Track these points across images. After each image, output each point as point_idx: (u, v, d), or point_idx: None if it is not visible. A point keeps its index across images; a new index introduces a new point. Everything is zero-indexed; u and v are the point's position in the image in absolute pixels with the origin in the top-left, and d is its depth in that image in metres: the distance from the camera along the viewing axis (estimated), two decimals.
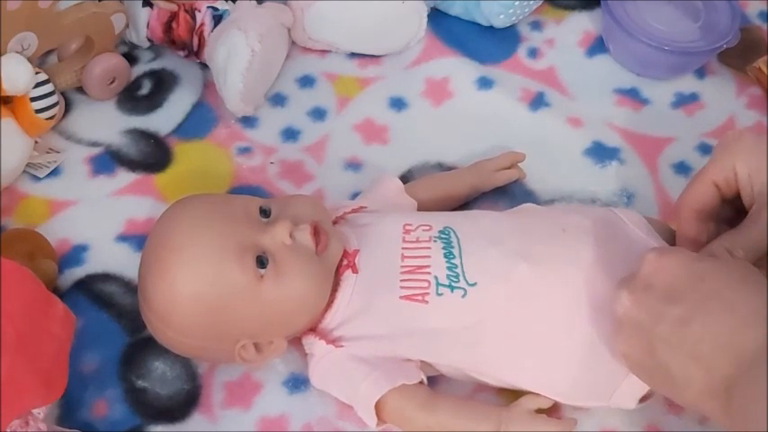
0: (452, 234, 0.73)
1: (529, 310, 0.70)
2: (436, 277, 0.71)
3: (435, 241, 0.73)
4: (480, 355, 0.71)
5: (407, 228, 0.74)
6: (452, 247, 0.72)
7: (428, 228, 0.74)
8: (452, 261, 0.72)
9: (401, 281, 0.71)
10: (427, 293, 0.71)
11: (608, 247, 0.72)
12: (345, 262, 0.73)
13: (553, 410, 0.72)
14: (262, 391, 0.75)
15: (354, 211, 0.79)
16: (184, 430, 0.74)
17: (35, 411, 0.67)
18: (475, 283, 0.71)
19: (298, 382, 0.75)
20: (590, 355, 0.69)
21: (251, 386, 0.76)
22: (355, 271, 0.73)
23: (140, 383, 0.75)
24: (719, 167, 0.70)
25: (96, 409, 0.74)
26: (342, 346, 0.71)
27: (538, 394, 0.71)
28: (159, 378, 0.76)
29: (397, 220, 0.75)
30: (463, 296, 0.70)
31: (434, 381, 0.73)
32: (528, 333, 0.70)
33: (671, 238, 0.75)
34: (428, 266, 0.72)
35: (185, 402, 0.75)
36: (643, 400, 0.71)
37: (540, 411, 0.71)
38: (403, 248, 0.73)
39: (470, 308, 0.70)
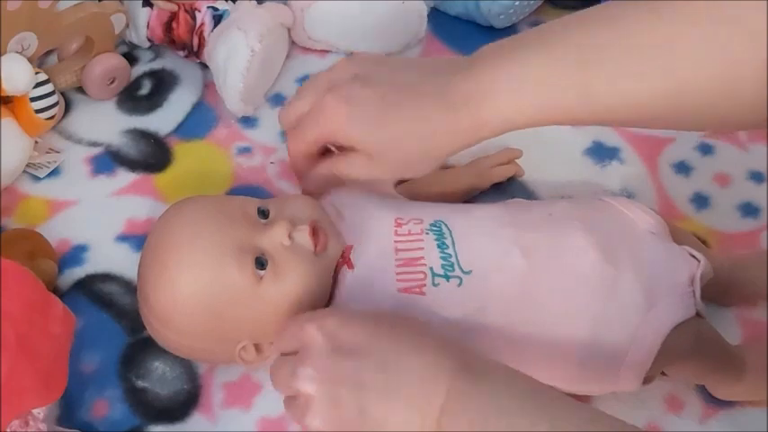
0: (444, 226, 0.74)
1: (526, 296, 0.70)
2: (431, 268, 0.71)
3: (427, 233, 0.73)
4: (481, 344, 0.71)
5: (399, 221, 0.74)
6: (445, 238, 0.73)
7: (419, 221, 0.74)
8: (446, 251, 0.72)
9: (397, 273, 0.71)
10: (424, 285, 0.71)
11: (597, 228, 0.73)
12: (341, 258, 0.73)
13: None
14: (262, 391, 0.75)
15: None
16: (184, 430, 0.74)
17: (35, 411, 0.67)
18: (470, 272, 0.71)
19: None
20: (590, 336, 0.70)
21: (251, 386, 0.76)
22: (351, 267, 0.73)
23: (140, 383, 0.75)
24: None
25: (96, 409, 0.74)
26: None
27: None
28: (159, 378, 0.76)
29: (387, 215, 0.75)
30: (459, 285, 0.70)
31: None
32: (527, 318, 0.70)
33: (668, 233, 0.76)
34: (422, 258, 0.72)
35: (185, 402, 0.75)
36: (645, 382, 0.71)
37: None
38: (396, 242, 0.73)
39: (468, 296, 0.70)
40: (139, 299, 0.73)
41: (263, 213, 0.73)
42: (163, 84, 0.96)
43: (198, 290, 0.69)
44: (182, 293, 0.69)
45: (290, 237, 0.70)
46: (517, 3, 0.97)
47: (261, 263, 0.69)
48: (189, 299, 0.69)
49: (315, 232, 0.71)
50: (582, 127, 0.93)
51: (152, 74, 0.97)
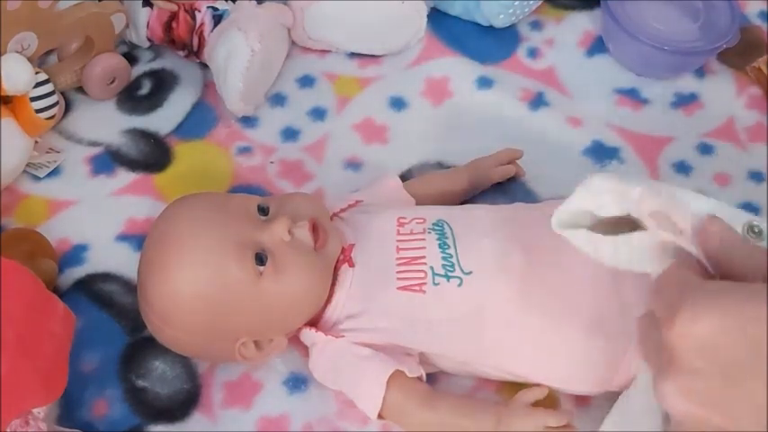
0: (446, 225, 0.74)
1: (526, 296, 0.70)
2: (432, 267, 0.71)
3: (429, 233, 0.73)
4: (480, 344, 0.71)
5: (401, 221, 0.75)
6: (446, 238, 0.73)
7: (422, 220, 0.75)
8: (447, 251, 0.72)
9: (398, 272, 0.72)
10: (424, 283, 0.71)
11: None
12: (341, 256, 0.74)
13: (551, 405, 0.72)
14: (262, 390, 0.75)
15: (351, 206, 0.79)
16: (184, 430, 0.74)
17: (35, 411, 0.67)
18: (470, 272, 0.71)
19: (298, 382, 0.75)
20: (589, 336, 0.70)
21: (251, 386, 0.76)
22: (351, 265, 0.73)
23: (140, 383, 0.75)
24: None
25: (96, 409, 0.74)
26: (342, 336, 0.72)
27: (534, 386, 0.71)
28: (159, 378, 0.76)
29: (391, 214, 0.76)
30: (459, 285, 0.71)
31: (434, 378, 0.74)
32: (526, 319, 0.70)
33: None
34: (423, 257, 0.72)
35: (185, 402, 0.75)
36: None
37: (538, 405, 0.71)
38: (398, 241, 0.73)
39: (467, 296, 0.71)
40: (139, 295, 0.73)
41: (264, 210, 0.73)
42: (163, 84, 0.96)
43: (198, 286, 0.69)
44: (181, 290, 0.69)
45: (290, 233, 0.70)
46: (517, 2, 0.97)
47: (261, 258, 0.69)
48: (188, 295, 0.69)
49: (315, 229, 0.72)
50: (582, 127, 0.93)
51: (152, 74, 0.97)
